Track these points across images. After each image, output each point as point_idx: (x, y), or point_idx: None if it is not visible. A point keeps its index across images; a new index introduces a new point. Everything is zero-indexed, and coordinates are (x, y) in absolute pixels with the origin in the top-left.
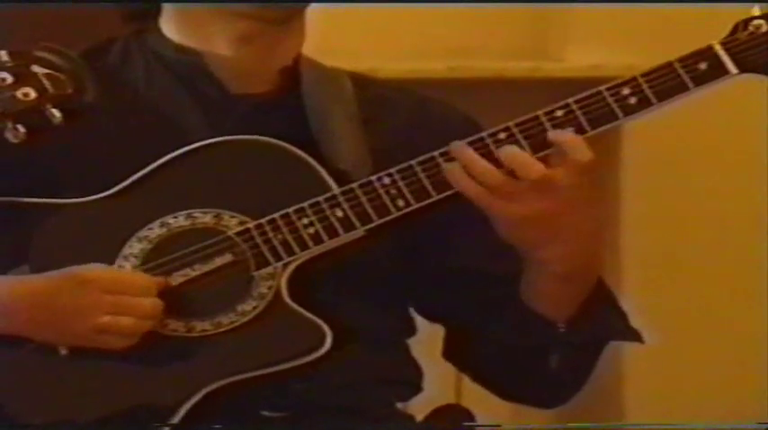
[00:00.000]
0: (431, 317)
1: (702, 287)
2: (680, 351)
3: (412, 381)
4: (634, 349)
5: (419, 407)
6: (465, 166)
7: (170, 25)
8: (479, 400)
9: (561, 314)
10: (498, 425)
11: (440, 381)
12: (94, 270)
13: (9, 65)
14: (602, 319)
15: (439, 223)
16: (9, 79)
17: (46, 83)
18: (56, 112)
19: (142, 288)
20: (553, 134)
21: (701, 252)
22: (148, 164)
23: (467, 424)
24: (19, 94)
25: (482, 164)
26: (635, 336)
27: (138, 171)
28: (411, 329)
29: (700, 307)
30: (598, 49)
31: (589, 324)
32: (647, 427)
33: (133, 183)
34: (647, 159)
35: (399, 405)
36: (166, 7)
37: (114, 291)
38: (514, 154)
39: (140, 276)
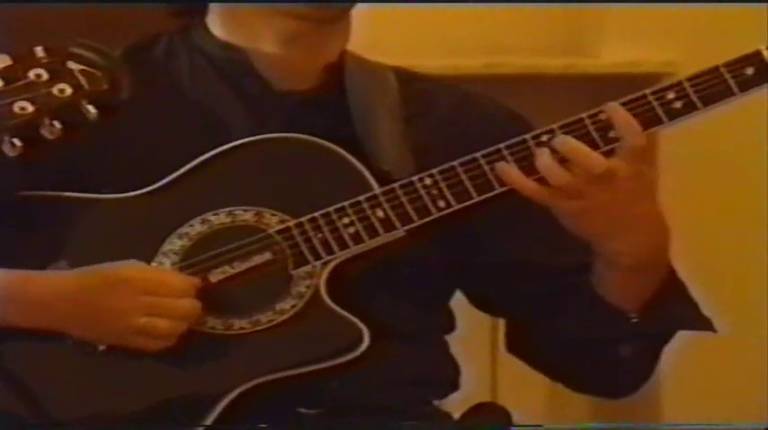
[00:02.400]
0: (491, 311)
1: (737, 284)
2: (718, 350)
3: (449, 379)
4: (673, 349)
5: (455, 404)
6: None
7: (216, 23)
8: (515, 398)
9: (633, 304)
10: (539, 426)
11: (475, 379)
12: (133, 269)
13: (45, 61)
14: (674, 309)
15: (498, 218)
16: (45, 76)
17: (81, 79)
18: (91, 109)
19: (180, 289)
20: (612, 110)
21: (714, 247)
22: (190, 160)
23: (509, 425)
24: (55, 90)
25: (550, 162)
26: (706, 325)
27: (179, 167)
28: (449, 326)
29: (737, 306)
30: (634, 45)
31: (661, 314)
32: (686, 428)
33: (175, 179)
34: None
35: (435, 402)
36: (213, 5)
37: (152, 293)
38: (577, 147)
39: (178, 277)
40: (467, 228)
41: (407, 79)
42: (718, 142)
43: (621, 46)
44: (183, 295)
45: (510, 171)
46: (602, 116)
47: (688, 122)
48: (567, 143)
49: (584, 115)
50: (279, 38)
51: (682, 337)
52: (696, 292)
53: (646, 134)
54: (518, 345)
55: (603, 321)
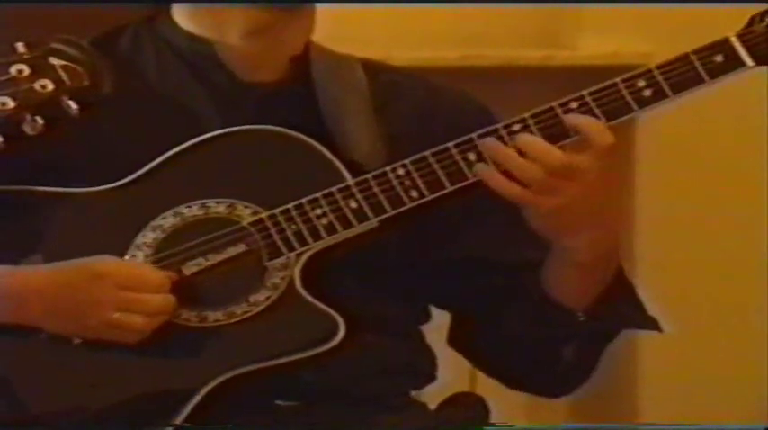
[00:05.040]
0: (438, 305)
1: (718, 283)
2: (695, 349)
3: (425, 370)
4: (649, 347)
5: (432, 394)
6: (501, 163)
7: (182, 14)
8: (493, 388)
9: (581, 303)
10: (511, 425)
11: (454, 369)
12: (109, 264)
13: (26, 57)
14: (620, 308)
15: (446, 213)
16: (26, 71)
17: (63, 75)
18: (72, 104)
19: (155, 285)
20: (572, 118)
21: (714, 247)
22: (160, 153)
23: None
24: (36, 85)
25: (519, 160)
26: (652, 325)
27: (150, 160)
28: (425, 316)
29: (715, 303)
30: (611, 37)
31: (608, 313)
32: (661, 427)
33: (146, 172)
34: (661, 153)
35: (413, 393)
36: None
37: (127, 288)
38: (533, 142)
39: (154, 273)
40: (428, 222)
41: (374, 71)
42: (716, 138)
43: (599, 38)
44: (158, 291)
45: (489, 172)
46: (573, 104)
47: (684, 119)
48: (523, 138)
49: (554, 104)
50: (242, 28)
51: (660, 336)
52: (692, 289)
53: (619, 125)
54: (459, 340)
55: (550, 319)
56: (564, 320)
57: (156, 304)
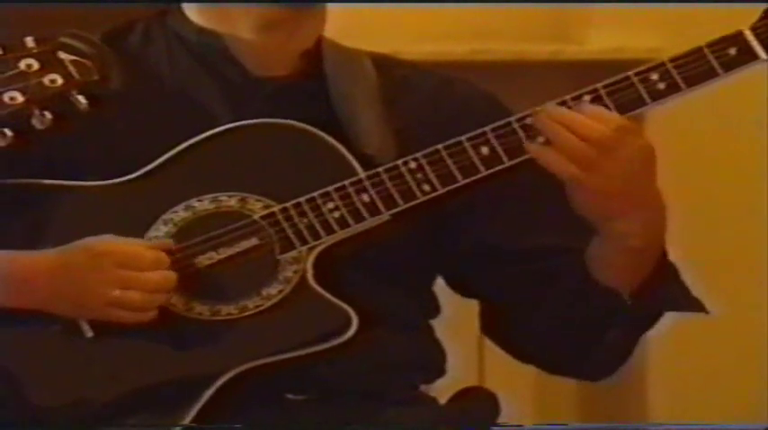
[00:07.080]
0: (468, 294)
1: (721, 281)
2: (705, 349)
3: (435, 364)
4: (659, 347)
5: (442, 389)
6: (551, 138)
7: (193, 8)
8: (502, 383)
9: (628, 287)
10: (520, 426)
11: (463, 363)
12: (107, 243)
13: (35, 51)
14: (666, 291)
15: (474, 201)
16: (35, 65)
17: (72, 69)
18: (81, 99)
19: (151, 262)
20: (578, 108)
21: (721, 246)
22: (171, 147)
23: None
24: (45, 80)
25: (568, 135)
26: (698, 307)
27: (161, 154)
28: (435, 310)
29: (726, 302)
30: (620, 32)
31: (654, 296)
32: (664, 427)
33: (158, 166)
34: (668, 148)
35: (422, 387)
36: None
37: (125, 265)
38: (582, 114)
39: (150, 250)
40: (443, 211)
41: (385, 65)
42: (714, 129)
43: (607, 33)
44: (155, 268)
45: (540, 149)
46: (586, 98)
47: (685, 111)
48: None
49: (567, 97)
50: (255, 23)
51: (665, 335)
52: (696, 287)
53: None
54: (494, 328)
55: (597, 303)
56: (611, 304)
57: (154, 280)
